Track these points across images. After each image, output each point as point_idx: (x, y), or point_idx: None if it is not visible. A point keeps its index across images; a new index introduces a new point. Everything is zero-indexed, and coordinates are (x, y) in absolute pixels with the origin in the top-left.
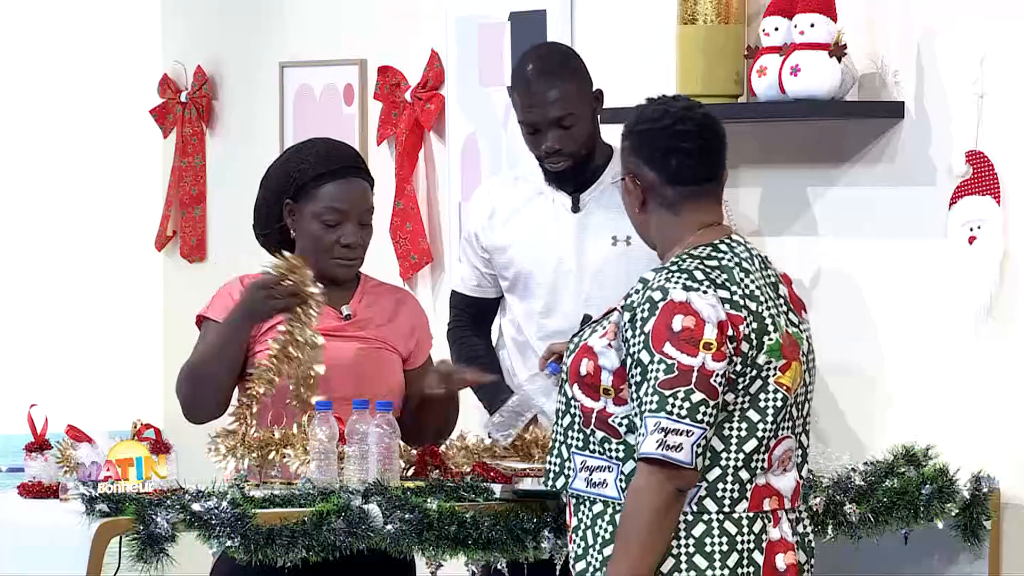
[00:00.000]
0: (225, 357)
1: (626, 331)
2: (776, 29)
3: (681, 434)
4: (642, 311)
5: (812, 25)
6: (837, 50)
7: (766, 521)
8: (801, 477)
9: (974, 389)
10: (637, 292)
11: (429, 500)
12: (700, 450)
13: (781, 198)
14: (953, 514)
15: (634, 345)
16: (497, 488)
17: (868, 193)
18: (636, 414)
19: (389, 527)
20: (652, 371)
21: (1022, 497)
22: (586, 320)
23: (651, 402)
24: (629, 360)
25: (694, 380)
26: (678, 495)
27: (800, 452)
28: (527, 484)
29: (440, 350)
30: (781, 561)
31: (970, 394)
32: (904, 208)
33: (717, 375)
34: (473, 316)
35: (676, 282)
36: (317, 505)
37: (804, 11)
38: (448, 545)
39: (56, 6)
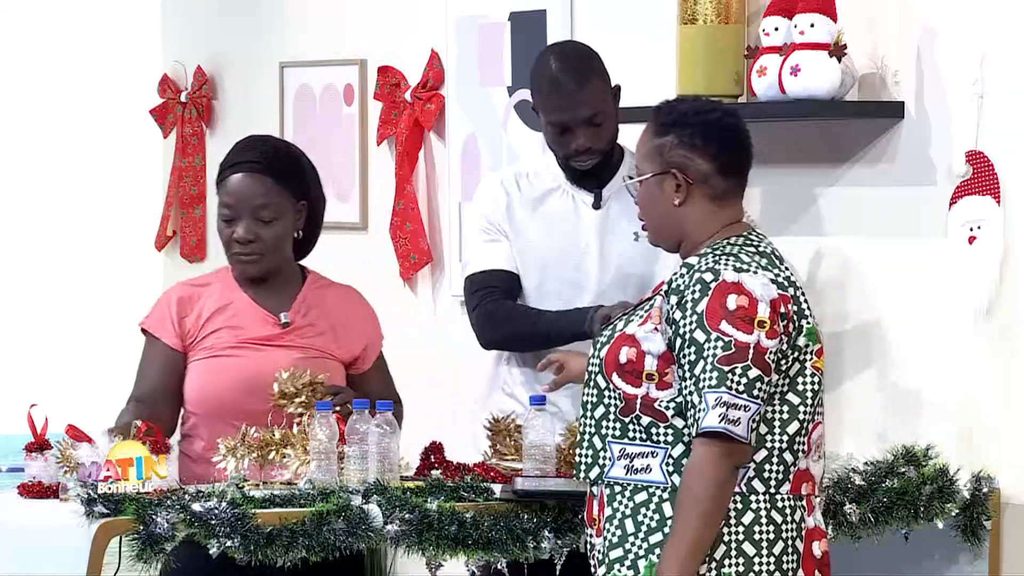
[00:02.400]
0: None
1: (672, 313)
2: (776, 29)
3: (740, 409)
4: (692, 292)
5: (812, 25)
6: (837, 50)
7: (803, 510)
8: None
9: (974, 389)
10: (682, 276)
11: (429, 500)
12: (754, 425)
13: (781, 198)
14: (953, 514)
15: (685, 326)
16: (497, 488)
17: (868, 193)
18: (690, 392)
19: (389, 527)
20: (709, 348)
21: (1022, 497)
22: (605, 319)
23: (710, 378)
24: (679, 341)
25: (751, 356)
26: (733, 472)
27: (824, 439)
28: (531, 484)
29: (449, 341)
30: (817, 548)
31: (970, 394)
32: (904, 208)
33: (771, 352)
34: (505, 291)
35: (726, 264)
36: (317, 505)
37: (804, 11)
38: (448, 545)
39: (56, 6)
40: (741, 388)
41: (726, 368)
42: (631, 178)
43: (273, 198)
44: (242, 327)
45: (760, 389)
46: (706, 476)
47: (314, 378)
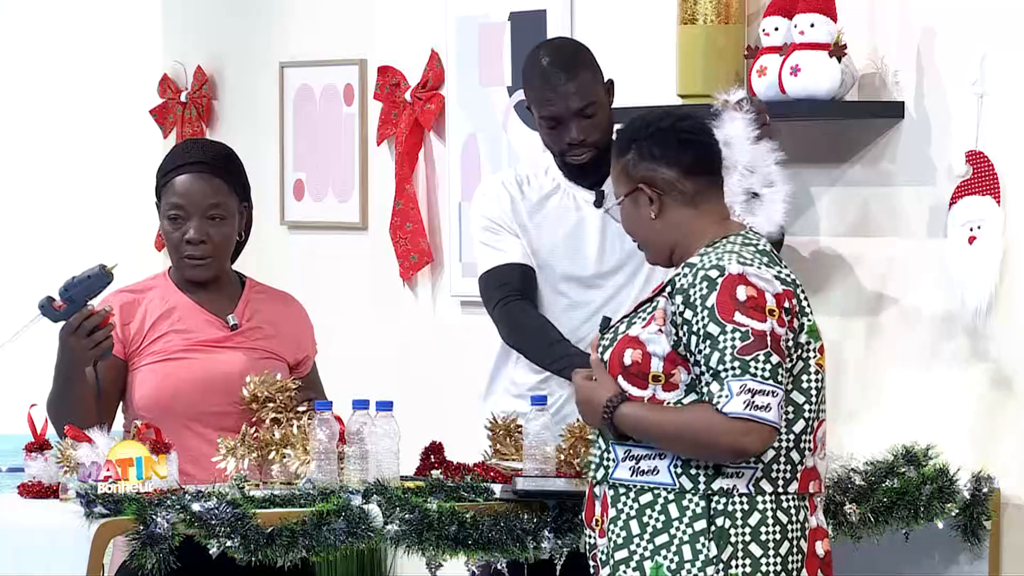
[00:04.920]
0: (71, 404)
1: (681, 313)
2: (776, 29)
3: (768, 395)
4: (699, 289)
5: (812, 25)
6: (837, 50)
7: (806, 510)
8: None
9: (974, 389)
10: (685, 276)
11: (429, 500)
12: (782, 411)
13: None
14: (953, 514)
15: (697, 323)
16: (497, 488)
17: (868, 193)
18: (707, 383)
19: (389, 527)
20: (726, 340)
21: (1022, 497)
22: (606, 322)
23: (732, 368)
24: (694, 339)
25: (769, 343)
26: (734, 455)
27: (826, 437)
28: (531, 484)
29: (436, 343)
30: (820, 548)
31: (970, 394)
32: (904, 208)
33: (783, 339)
34: (524, 288)
35: (729, 260)
36: (317, 505)
37: (804, 11)
38: (448, 545)
39: (56, 6)
40: (767, 374)
41: (748, 357)
42: (614, 203)
43: (223, 198)
44: (190, 331)
45: (782, 375)
46: (714, 434)
47: (286, 383)
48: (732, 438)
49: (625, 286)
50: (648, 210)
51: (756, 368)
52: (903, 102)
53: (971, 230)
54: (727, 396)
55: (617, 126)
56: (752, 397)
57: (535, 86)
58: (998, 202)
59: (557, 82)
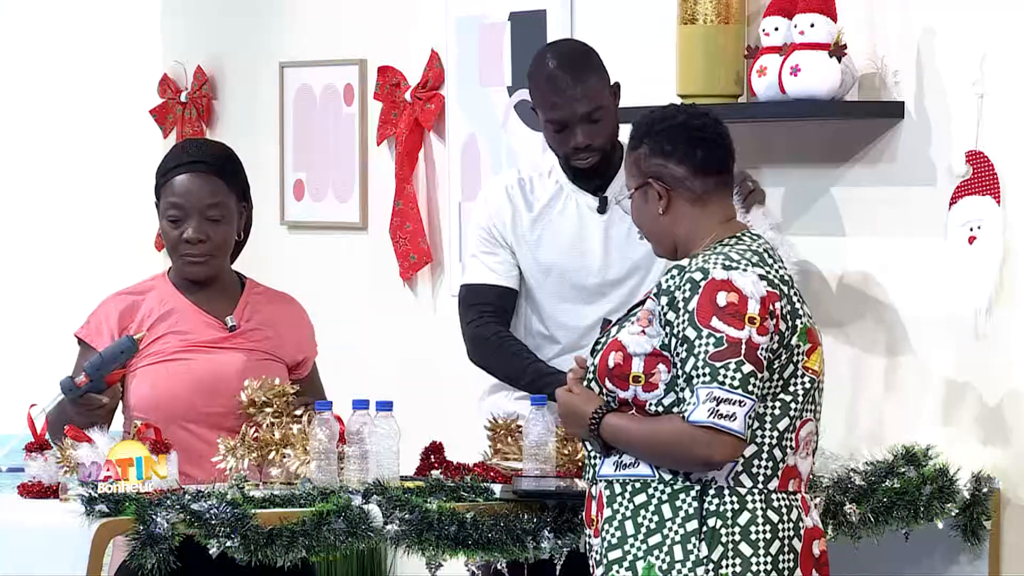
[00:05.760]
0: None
1: (665, 314)
2: (776, 29)
3: (734, 404)
4: (683, 292)
5: (812, 25)
6: (837, 50)
7: (799, 509)
8: (813, 462)
9: (974, 389)
10: (672, 277)
11: (429, 500)
12: (751, 421)
13: (781, 198)
14: (953, 514)
15: (678, 325)
16: (497, 488)
17: (868, 193)
18: (682, 388)
19: (389, 527)
20: (700, 345)
21: (1022, 497)
22: (606, 324)
23: (703, 374)
24: (674, 341)
25: (743, 352)
26: (704, 466)
27: (816, 438)
28: (531, 484)
29: (447, 351)
30: (816, 547)
31: (970, 394)
32: (904, 208)
33: (762, 348)
34: (500, 309)
35: (715, 263)
36: (317, 505)
37: (804, 11)
38: (448, 545)
39: (56, 6)
40: (736, 383)
41: (718, 364)
42: (625, 196)
43: (222, 198)
44: (189, 332)
45: (754, 384)
46: (681, 443)
47: (284, 387)
48: (696, 447)
49: (631, 297)
50: (656, 205)
51: (725, 376)
52: (903, 102)
53: (971, 230)
54: (693, 404)
55: (622, 126)
56: (717, 406)
57: (541, 89)
58: (998, 202)
59: (564, 86)
